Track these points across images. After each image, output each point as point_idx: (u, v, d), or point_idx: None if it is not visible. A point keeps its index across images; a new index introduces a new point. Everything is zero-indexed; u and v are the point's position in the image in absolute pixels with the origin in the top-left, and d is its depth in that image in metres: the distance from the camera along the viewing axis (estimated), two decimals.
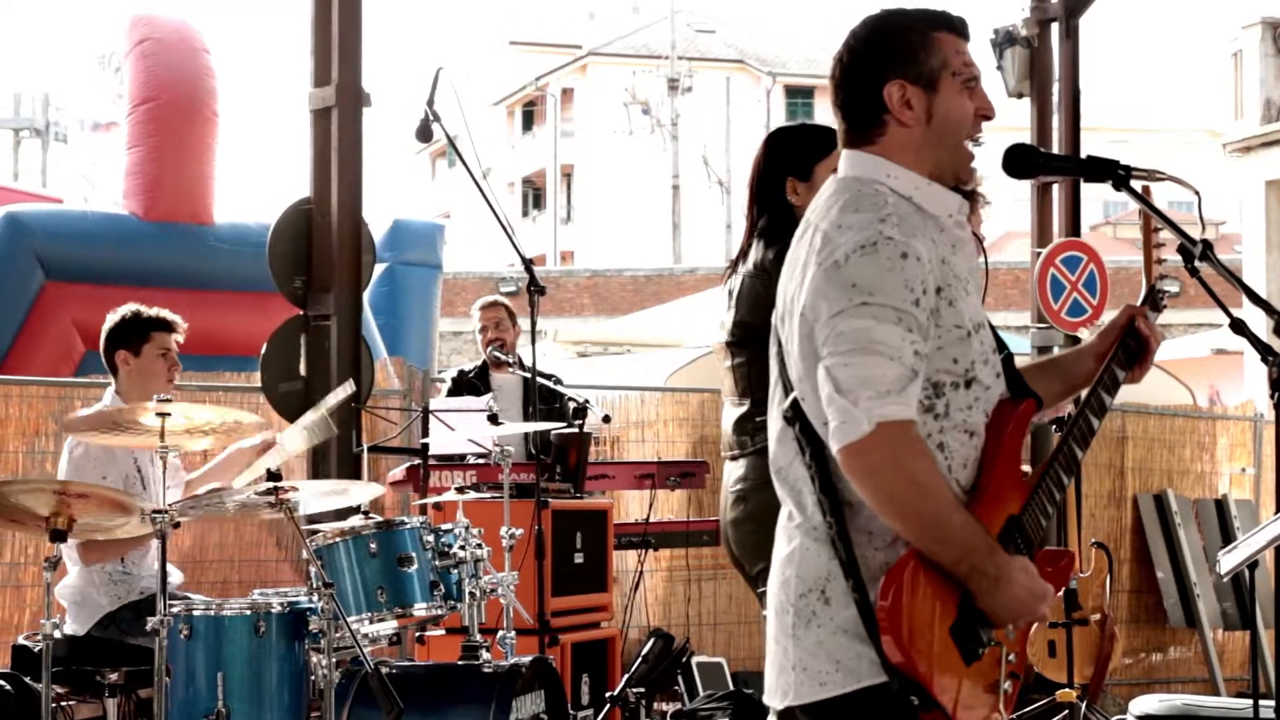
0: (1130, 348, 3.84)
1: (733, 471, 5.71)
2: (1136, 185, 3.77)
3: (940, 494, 3.37)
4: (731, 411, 5.74)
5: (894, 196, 3.51)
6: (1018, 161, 3.76)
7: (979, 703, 3.45)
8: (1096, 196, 51.40)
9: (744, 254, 5.72)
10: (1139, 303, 3.96)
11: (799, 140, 5.70)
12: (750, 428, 5.62)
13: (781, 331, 3.58)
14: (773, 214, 5.62)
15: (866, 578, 3.39)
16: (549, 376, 8.99)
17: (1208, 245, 3.68)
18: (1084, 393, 3.79)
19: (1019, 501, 3.56)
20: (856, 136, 3.64)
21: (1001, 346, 3.64)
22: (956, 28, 3.63)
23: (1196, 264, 3.72)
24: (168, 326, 7.26)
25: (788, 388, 3.56)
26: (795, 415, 3.52)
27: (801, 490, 3.53)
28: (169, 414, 6.12)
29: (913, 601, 3.35)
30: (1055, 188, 11.59)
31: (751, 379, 5.58)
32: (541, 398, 8.38)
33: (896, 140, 3.58)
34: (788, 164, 5.63)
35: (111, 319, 7.28)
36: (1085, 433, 3.73)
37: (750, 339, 5.54)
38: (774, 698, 3.57)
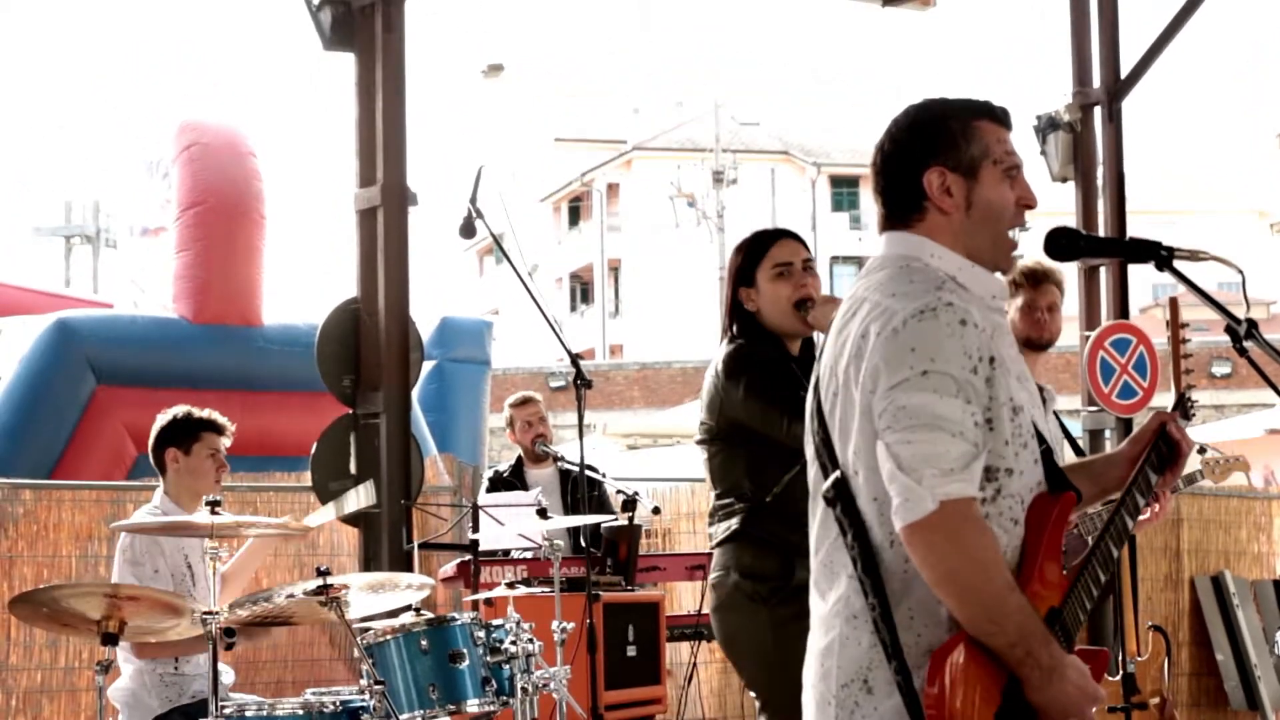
0: (1162, 452, 3.83)
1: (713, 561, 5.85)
2: (1181, 265, 3.76)
3: (1000, 575, 3.34)
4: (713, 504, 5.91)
5: (940, 274, 3.51)
6: (1059, 244, 3.76)
7: None
8: (1144, 279, 51.29)
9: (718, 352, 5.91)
10: (1170, 410, 3.96)
11: (745, 250, 5.93)
12: (718, 517, 5.78)
13: (826, 409, 3.54)
14: (740, 323, 5.87)
15: (910, 664, 3.36)
16: (589, 468, 9.00)
17: (1252, 324, 3.67)
18: (1120, 494, 3.78)
19: (1059, 595, 3.53)
20: (896, 222, 3.63)
21: (1041, 440, 3.60)
22: (999, 117, 3.64)
23: (1244, 343, 3.70)
24: (217, 428, 7.30)
25: (826, 469, 3.52)
26: (837, 496, 3.48)
27: (840, 574, 3.49)
28: (219, 514, 6.14)
29: (960, 688, 3.31)
30: (1103, 270, 11.56)
31: (715, 472, 5.81)
32: (579, 489, 8.39)
33: (935, 226, 3.57)
34: (738, 275, 5.88)
35: (162, 419, 7.33)
36: (1121, 532, 3.72)
37: (714, 437, 5.78)
38: None
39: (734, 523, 5.69)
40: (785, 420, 5.54)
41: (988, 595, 3.32)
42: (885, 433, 3.36)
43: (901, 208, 3.62)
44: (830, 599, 3.53)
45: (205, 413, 7.34)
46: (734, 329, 5.87)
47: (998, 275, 3.62)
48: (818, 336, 5.87)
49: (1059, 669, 3.36)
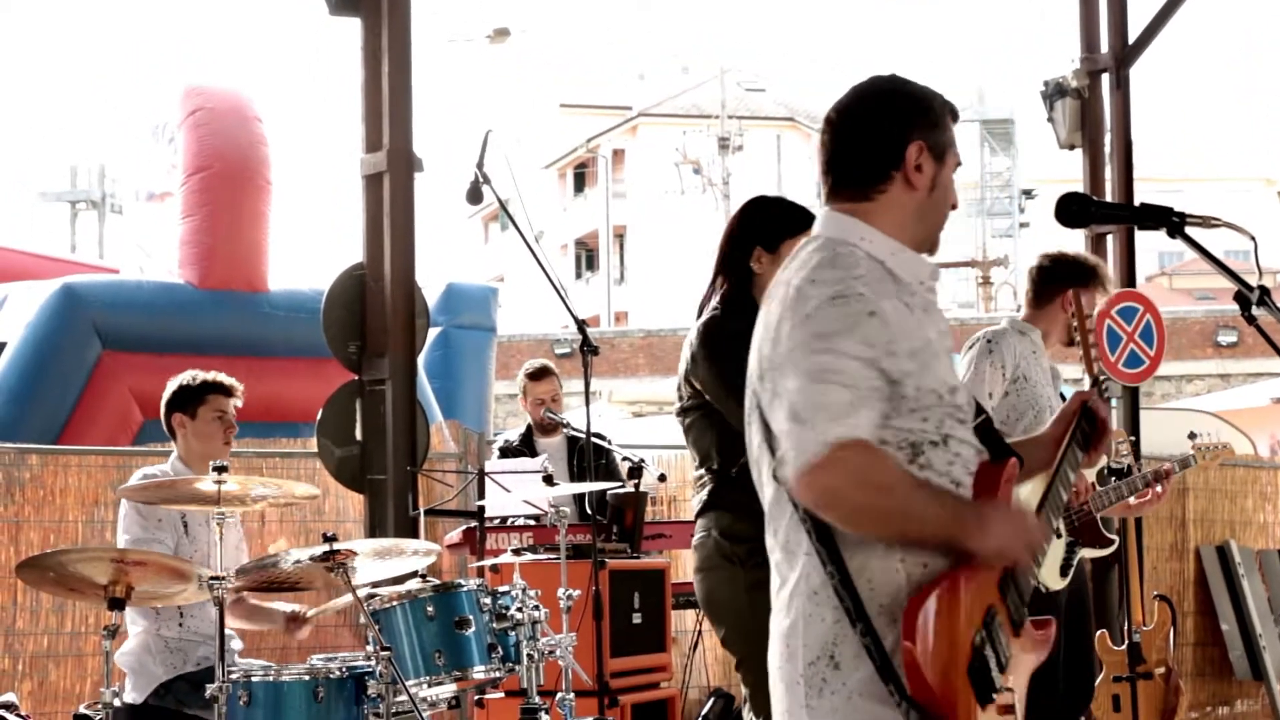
0: (1085, 431, 3.89)
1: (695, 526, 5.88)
2: (1192, 232, 3.74)
3: (900, 487, 3.41)
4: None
5: (866, 259, 3.54)
6: (1070, 210, 3.74)
7: None
8: (1151, 247, 51.25)
9: (700, 313, 5.85)
10: (1091, 386, 4.02)
11: (773, 212, 5.82)
12: (696, 487, 5.82)
13: (760, 392, 3.58)
14: (734, 281, 5.76)
15: (875, 626, 3.41)
16: (597, 436, 9.00)
17: (1265, 291, 3.66)
18: (1052, 471, 3.86)
19: None
20: (849, 191, 3.65)
21: (980, 412, 3.69)
22: (955, 115, 3.72)
23: (1254, 311, 3.69)
24: (223, 390, 7.30)
25: (773, 448, 3.54)
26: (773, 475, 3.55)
27: (796, 551, 3.53)
28: (224, 482, 6.15)
29: (935, 639, 3.37)
30: (1110, 239, 11.54)
31: (691, 442, 5.81)
32: (586, 457, 8.39)
33: (894, 201, 3.62)
34: (759, 233, 5.75)
35: (171, 384, 7.33)
36: (1058, 505, 3.80)
37: (688, 406, 5.78)
38: None
39: (704, 494, 5.71)
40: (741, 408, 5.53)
41: (897, 509, 3.40)
42: (784, 394, 3.44)
43: (867, 175, 3.64)
44: (791, 579, 3.56)
45: (210, 375, 7.34)
46: (725, 287, 5.80)
47: (926, 258, 3.67)
48: None
49: (989, 514, 3.47)
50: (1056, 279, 7.50)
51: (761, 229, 5.75)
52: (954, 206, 3.71)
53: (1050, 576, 7.30)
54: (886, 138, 3.62)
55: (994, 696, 3.42)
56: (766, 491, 3.63)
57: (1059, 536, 7.35)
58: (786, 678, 3.54)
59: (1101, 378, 4.04)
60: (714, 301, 5.81)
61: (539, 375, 9.87)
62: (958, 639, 3.38)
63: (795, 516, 3.51)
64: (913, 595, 3.40)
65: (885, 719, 3.38)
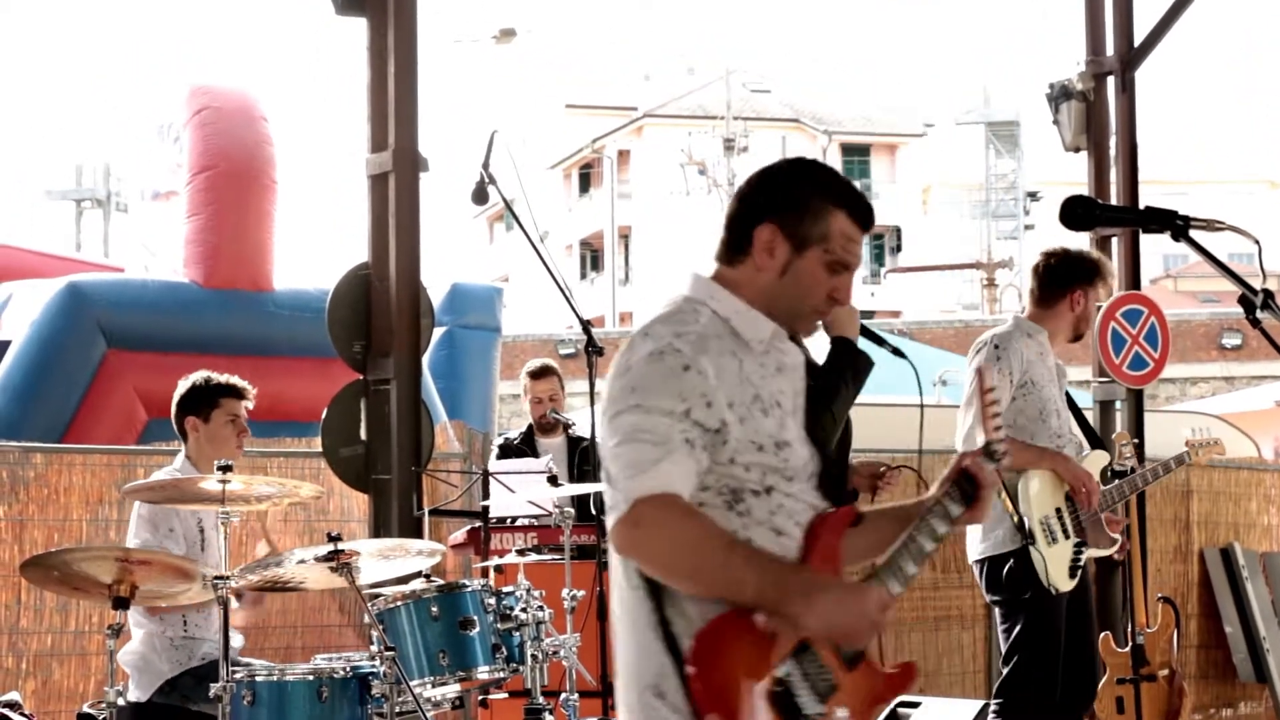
0: (964, 488, 3.90)
1: None
2: (1196, 235, 3.74)
3: (713, 540, 3.47)
4: None
5: (709, 316, 3.66)
6: (1075, 213, 3.75)
7: None
8: (1156, 250, 51.27)
9: None
10: (977, 451, 4.06)
11: None
12: None
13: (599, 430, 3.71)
14: None
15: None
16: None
17: (1269, 295, 3.66)
18: (919, 519, 3.86)
19: None
20: (725, 252, 3.78)
21: (825, 463, 3.77)
22: (858, 216, 3.74)
23: (1258, 314, 3.69)
24: (237, 393, 7.31)
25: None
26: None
27: (626, 587, 3.61)
28: (229, 481, 6.16)
29: (723, 662, 3.42)
30: (1115, 241, 11.52)
31: None
32: (590, 458, 8.40)
33: (749, 276, 3.73)
34: None
35: (183, 385, 7.33)
36: (917, 553, 3.79)
37: None
38: None
39: None
40: None
41: (709, 565, 3.45)
42: (606, 453, 3.55)
43: (733, 243, 3.77)
44: (627, 611, 3.64)
45: (224, 378, 7.35)
46: None
47: (767, 320, 3.72)
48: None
49: (816, 586, 3.49)
50: (1061, 277, 7.51)
51: None
52: (839, 302, 3.77)
53: (1059, 578, 7.30)
54: (746, 214, 3.75)
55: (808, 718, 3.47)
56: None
57: (1067, 537, 7.35)
58: (625, 704, 3.64)
59: (994, 446, 4.09)
60: None
61: (540, 374, 9.88)
62: (750, 667, 3.43)
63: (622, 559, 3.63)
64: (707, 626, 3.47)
65: None
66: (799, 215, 3.69)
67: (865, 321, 5.79)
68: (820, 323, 5.72)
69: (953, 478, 3.92)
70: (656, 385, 3.51)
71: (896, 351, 5.94)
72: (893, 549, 3.79)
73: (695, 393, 3.51)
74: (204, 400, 7.28)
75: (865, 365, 5.70)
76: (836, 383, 5.62)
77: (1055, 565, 7.30)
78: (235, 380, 7.36)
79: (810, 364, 3.90)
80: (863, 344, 5.71)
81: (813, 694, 3.49)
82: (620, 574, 3.65)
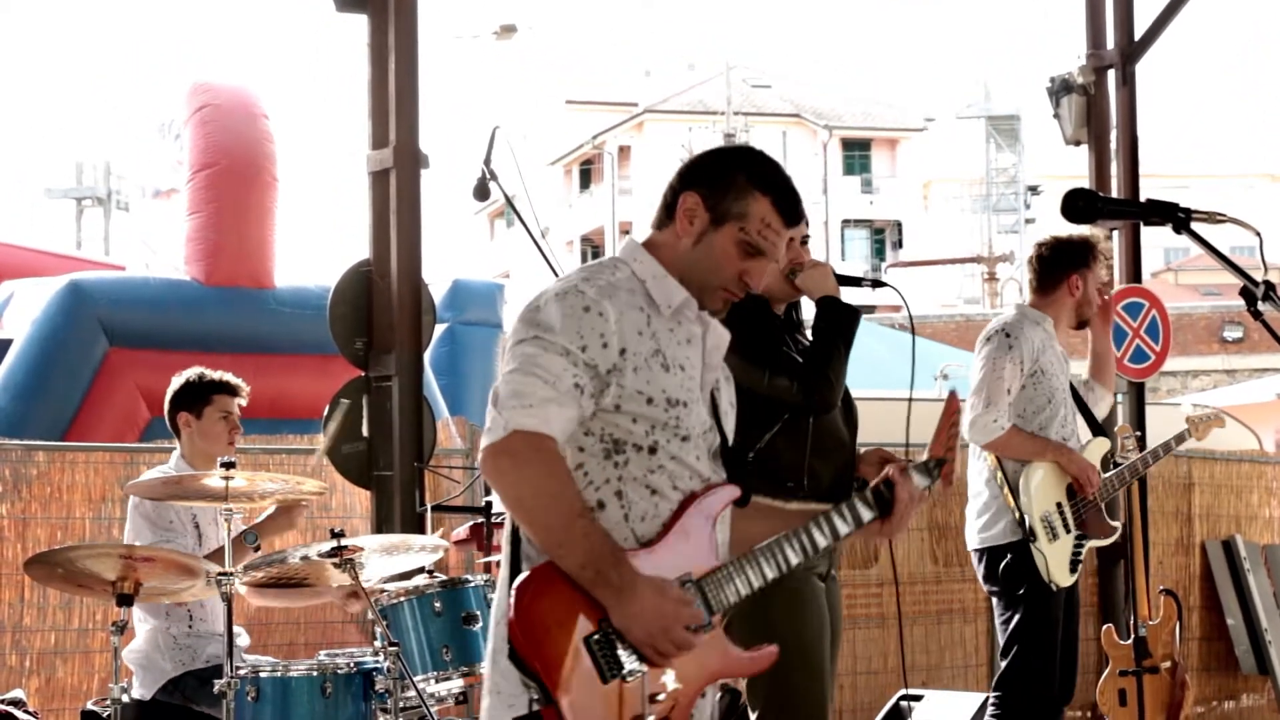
0: (881, 496, 3.99)
1: None
2: (1197, 227, 3.75)
3: (565, 501, 3.57)
4: None
5: (628, 275, 3.80)
6: (1077, 206, 3.75)
7: None
8: (1157, 243, 51.22)
9: None
10: (917, 462, 4.10)
11: None
12: None
13: None
14: None
15: None
16: None
17: (1270, 287, 3.67)
18: (819, 514, 3.96)
19: (702, 569, 3.71)
20: (656, 218, 3.93)
21: (722, 438, 3.87)
22: (784, 208, 3.86)
23: (1260, 306, 3.69)
24: (229, 390, 7.31)
25: None
26: None
27: (511, 528, 3.73)
28: (232, 478, 6.17)
29: (544, 603, 3.52)
30: (1116, 234, 11.53)
31: None
32: None
33: (669, 241, 3.87)
34: None
35: (175, 382, 7.34)
36: (805, 543, 3.88)
37: None
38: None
39: None
40: (766, 373, 5.56)
41: (553, 518, 3.55)
42: (500, 377, 3.67)
43: (663, 210, 3.93)
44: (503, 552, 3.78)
45: (217, 374, 7.34)
46: None
47: (680, 289, 3.83)
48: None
49: (630, 586, 3.55)
50: (1059, 263, 7.52)
51: None
52: (748, 287, 3.87)
53: (1060, 574, 7.30)
54: (678, 182, 3.91)
55: (625, 676, 3.53)
56: None
57: (1068, 532, 7.35)
58: (492, 632, 3.75)
59: (934, 463, 4.10)
60: None
61: None
62: (572, 609, 3.52)
63: None
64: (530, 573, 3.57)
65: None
66: (723, 190, 3.83)
67: (868, 309, 5.84)
68: (798, 283, 5.80)
69: (877, 484, 4.00)
70: (557, 322, 3.65)
71: (876, 283, 5.98)
72: (779, 535, 3.86)
73: (593, 332, 3.64)
74: (196, 396, 7.27)
75: (852, 319, 5.72)
76: (828, 345, 5.64)
77: (1056, 561, 7.30)
78: (228, 377, 7.35)
79: (734, 345, 3.99)
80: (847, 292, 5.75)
81: (634, 651, 3.56)
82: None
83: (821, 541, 3.89)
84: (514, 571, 3.62)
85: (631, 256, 3.86)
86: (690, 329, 3.83)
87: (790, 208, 3.86)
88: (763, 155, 3.95)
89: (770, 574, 3.81)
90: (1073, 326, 7.65)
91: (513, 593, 3.53)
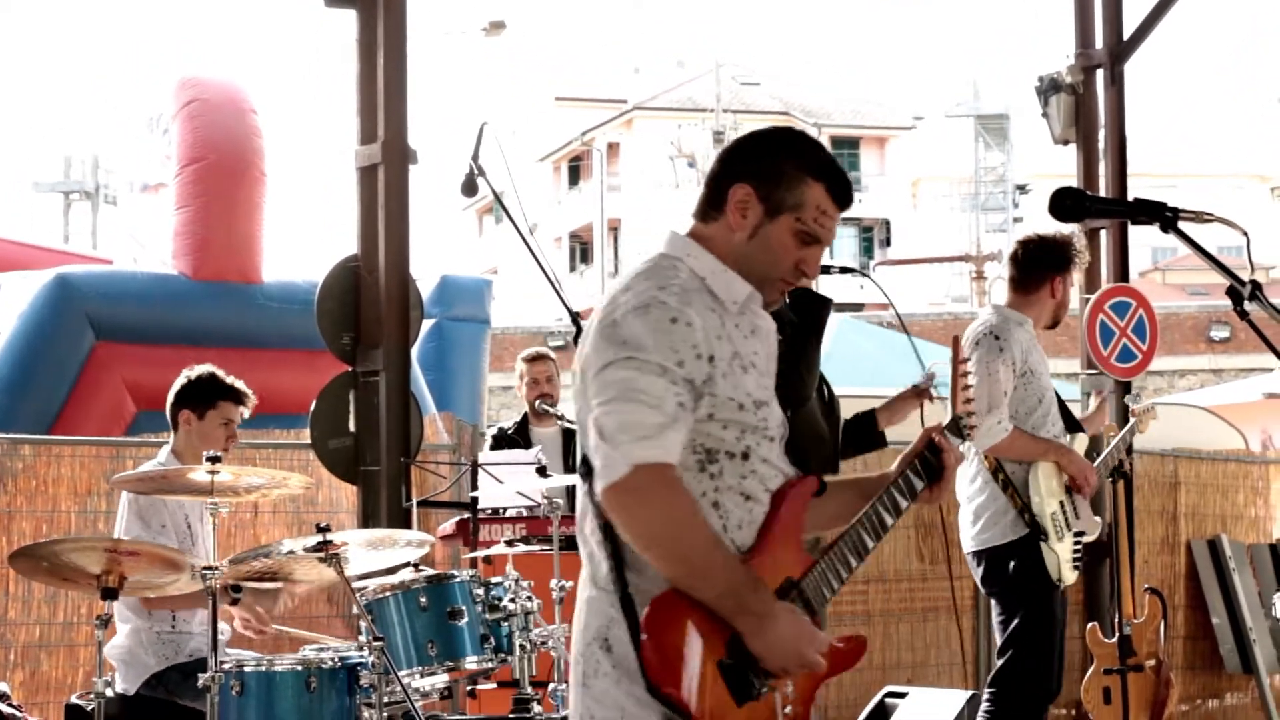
0: (928, 463, 3.97)
1: None
2: (1185, 227, 3.75)
3: (698, 532, 3.50)
4: None
5: (688, 273, 3.69)
6: (1064, 205, 3.76)
7: None
8: (1144, 242, 51.26)
9: None
10: (944, 425, 4.09)
11: None
12: None
13: (577, 394, 3.71)
14: None
15: (640, 621, 3.51)
16: None
17: (1257, 286, 3.67)
18: (881, 491, 3.93)
19: (799, 570, 3.69)
20: (701, 209, 3.82)
21: (791, 434, 3.81)
22: (835, 192, 3.77)
23: (1246, 305, 3.70)
24: (236, 398, 7.30)
25: (583, 448, 3.70)
26: (586, 473, 3.65)
27: (592, 542, 3.66)
28: (218, 472, 6.16)
29: (677, 629, 3.47)
30: (1104, 233, 11.54)
31: None
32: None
33: (720, 235, 3.76)
34: None
35: (187, 375, 7.32)
36: (877, 525, 3.86)
37: None
38: None
39: None
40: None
41: (688, 551, 3.48)
42: (594, 407, 3.55)
43: (710, 200, 3.81)
44: (589, 568, 3.72)
45: (230, 380, 7.33)
46: None
47: (744, 283, 3.75)
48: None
49: (771, 614, 3.51)
50: (1040, 263, 7.51)
51: None
52: (805, 275, 3.80)
53: (1067, 571, 7.31)
54: (725, 172, 3.80)
55: (754, 694, 3.51)
56: (579, 486, 3.74)
57: (1069, 530, 7.35)
58: (573, 655, 3.71)
59: (962, 419, 4.09)
60: None
61: (535, 359, 9.89)
62: (704, 634, 3.48)
63: (592, 514, 3.65)
64: (663, 595, 3.50)
65: (645, 701, 3.50)
66: (775, 181, 3.73)
67: (856, 307, 5.86)
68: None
69: (917, 452, 3.97)
70: (647, 339, 3.52)
71: (845, 269, 5.98)
72: (853, 521, 3.83)
73: (686, 344, 3.54)
74: (203, 397, 7.27)
75: (822, 309, 5.72)
76: (799, 337, 5.65)
77: (1064, 560, 7.32)
78: (240, 385, 7.35)
79: (782, 328, 3.96)
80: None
81: (760, 669, 3.53)
82: (586, 524, 3.69)
83: (889, 520, 3.88)
84: (625, 603, 3.54)
85: (684, 252, 3.75)
86: (754, 322, 3.75)
87: (842, 191, 3.77)
88: (806, 137, 3.87)
89: (854, 563, 3.80)
90: (1046, 327, 7.64)
91: (644, 628, 3.47)
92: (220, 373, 7.34)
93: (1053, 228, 7.38)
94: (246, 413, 7.34)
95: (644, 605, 3.49)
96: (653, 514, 3.47)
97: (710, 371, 3.56)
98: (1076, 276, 7.66)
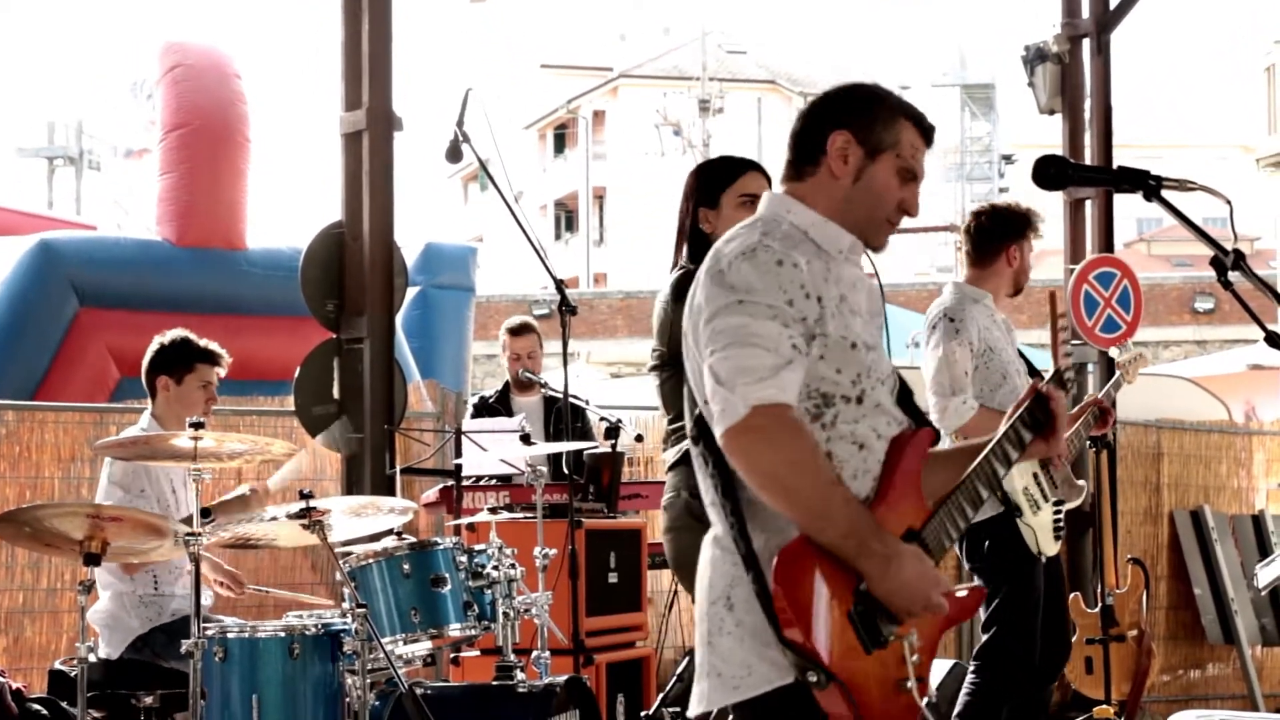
0: (1037, 417, 3.95)
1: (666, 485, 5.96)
2: (1168, 195, 3.75)
3: (820, 472, 3.49)
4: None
5: (789, 226, 3.71)
6: (1048, 173, 3.76)
7: (886, 696, 3.52)
8: (1129, 213, 51.37)
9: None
10: (1047, 380, 4.07)
11: (709, 172, 6.02)
12: (671, 441, 5.90)
13: (685, 350, 3.72)
14: (690, 246, 5.89)
15: (766, 573, 3.49)
16: (573, 396, 9.01)
17: (1239, 255, 3.68)
18: (992, 443, 3.90)
19: (919, 519, 3.69)
20: (793, 169, 3.82)
21: (901, 382, 3.81)
22: (924, 128, 3.83)
23: (1230, 276, 3.70)
24: (212, 359, 7.28)
25: (695, 404, 3.70)
26: (700, 432, 3.66)
27: (711, 502, 3.67)
28: (201, 438, 6.15)
29: (809, 581, 3.46)
30: (1088, 204, 11.55)
31: (667, 397, 5.89)
32: (563, 418, 8.39)
33: (822, 185, 3.77)
34: (698, 195, 5.92)
35: (160, 342, 7.31)
36: (991, 477, 3.85)
37: (665, 362, 5.85)
38: (692, 705, 3.69)
39: (680, 449, 5.74)
40: None
41: (809, 491, 3.47)
42: (707, 355, 3.56)
43: (803, 157, 3.81)
44: (711, 532, 3.72)
45: (203, 343, 7.31)
46: (684, 252, 5.92)
47: (845, 232, 3.77)
48: None
49: (896, 557, 3.50)
50: (994, 234, 7.48)
51: (699, 190, 5.92)
52: (909, 212, 3.82)
53: (1047, 544, 7.31)
54: (818, 124, 3.80)
55: (882, 640, 3.51)
56: (691, 447, 3.74)
57: (1046, 501, 7.34)
58: (698, 613, 3.70)
59: (1066, 373, 4.09)
60: (680, 263, 5.89)
61: (519, 331, 9.88)
62: (832, 584, 3.47)
63: (706, 472, 3.65)
64: (792, 544, 3.49)
65: (774, 660, 3.50)
66: (871, 123, 3.75)
67: None
68: None
69: (1025, 403, 3.95)
70: (755, 281, 3.54)
71: None
72: (967, 473, 3.81)
73: (794, 284, 3.55)
74: (179, 361, 7.25)
75: None
76: None
77: (1042, 532, 7.30)
78: (213, 346, 7.33)
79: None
80: None
81: (887, 616, 3.52)
82: (703, 490, 3.69)
83: (1002, 472, 3.87)
84: (749, 560, 3.51)
85: (784, 209, 3.76)
86: (855, 271, 3.76)
87: (928, 129, 3.83)
88: (884, 87, 3.89)
89: (970, 512, 3.79)
90: (1009, 294, 7.62)
91: (774, 580, 3.45)
92: (193, 336, 7.32)
93: (1002, 198, 7.37)
94: (223, 373, 7.33)
95: (768, 560, 3.48)
96: (773, 454, 3.47)
97: (820, 311, 3.57)
98: (1035, 242, 7.63)
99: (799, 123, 3.84)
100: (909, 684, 3.54)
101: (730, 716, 3.68)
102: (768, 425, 3.46)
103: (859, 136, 3.74)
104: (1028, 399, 3.96)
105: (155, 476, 7.09)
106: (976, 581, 3.68)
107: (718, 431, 3.51)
